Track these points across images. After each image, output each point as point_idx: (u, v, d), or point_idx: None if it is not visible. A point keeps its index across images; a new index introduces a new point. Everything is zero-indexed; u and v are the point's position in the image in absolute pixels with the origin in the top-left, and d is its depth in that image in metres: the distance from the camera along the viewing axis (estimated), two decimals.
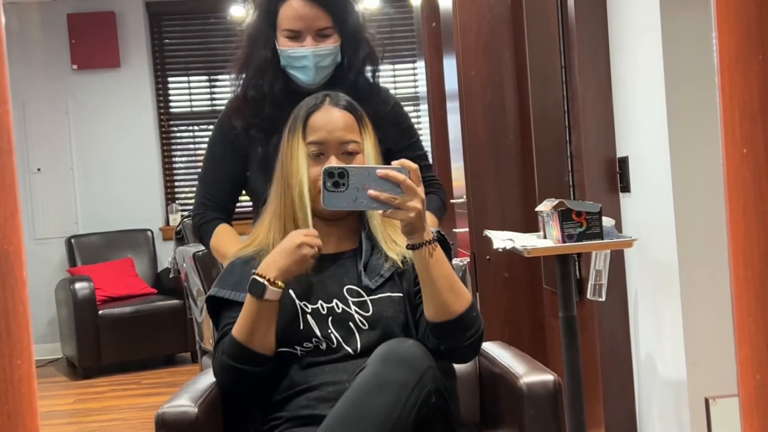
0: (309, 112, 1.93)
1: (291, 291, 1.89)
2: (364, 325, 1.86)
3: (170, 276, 5.54)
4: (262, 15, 2.26)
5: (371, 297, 1.88)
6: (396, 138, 2.28)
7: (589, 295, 2.87)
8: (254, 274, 1.80)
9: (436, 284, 1.74)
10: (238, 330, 1.82)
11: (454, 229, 4.17)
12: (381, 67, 2.34)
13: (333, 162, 1.87)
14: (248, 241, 1.99)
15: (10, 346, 0.74)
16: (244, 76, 2.28)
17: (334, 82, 2.21)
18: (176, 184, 7.47)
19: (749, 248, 0.80)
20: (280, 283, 1.79)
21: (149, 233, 7.14)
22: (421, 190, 1.69)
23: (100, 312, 6.25)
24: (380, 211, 1.73)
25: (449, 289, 1.75)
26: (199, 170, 2.42)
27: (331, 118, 1.92)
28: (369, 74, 2.30)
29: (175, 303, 6.38)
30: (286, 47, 2.22)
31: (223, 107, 2.39)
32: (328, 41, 2.22)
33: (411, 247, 1.73)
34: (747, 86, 0.79)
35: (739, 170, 0.80)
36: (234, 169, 2.30)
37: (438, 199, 2.37)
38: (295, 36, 2.21)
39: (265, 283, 1.78)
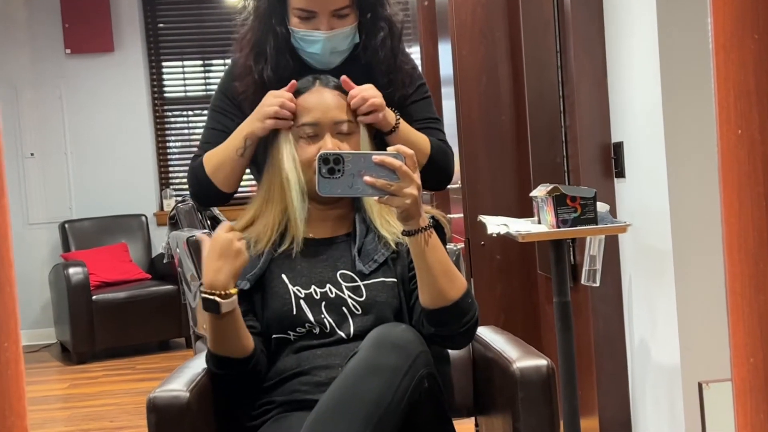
0: (299, 94, 1.92)
1: (284, 276, 1.88)
2: (357, 310, 1.85)
3: (164, 261, 5.53)
4: None
5: (365, 282, 1.87)
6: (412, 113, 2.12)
7: (583, 281, 2.87)
8: (202, 291, 1.76)
9: (431, 270, 1.73)
10: (209, 341, 1.81)
11: (449, 215, 4.16)
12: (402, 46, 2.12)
13: (328, 142, 1.86)
14: (241, 223, 1.98)
15: None
16: (254, 53, 2.04)
17: (349, 64, 2.03)
18: (170, 169, 7.45)
19: (743, 230, 0.79)
20: (232, 290, 1.75)
21: (143, 218, 7.13)
22: (417, 176, 1.68)
23: (94, 297, 6.24)
24: (376, 198, 1.72)
25: (444, 276, 1.74)
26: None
27: (323, 98, 1.90)
28: (389, 54, 2.06)
29: (169, 288, 6.38)
30: (298, 29, 1.99)
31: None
32: (344, 22, 1.99)
33: (406, 233, 1.72)
34: (742, 66, 0.78)
35: (734, 151, 0.79)
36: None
37: (443, 147, 2.15)
38: (309, 16, 1.97)
39: (217, 299, 1.73)
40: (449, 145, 2.19)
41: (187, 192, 5.88)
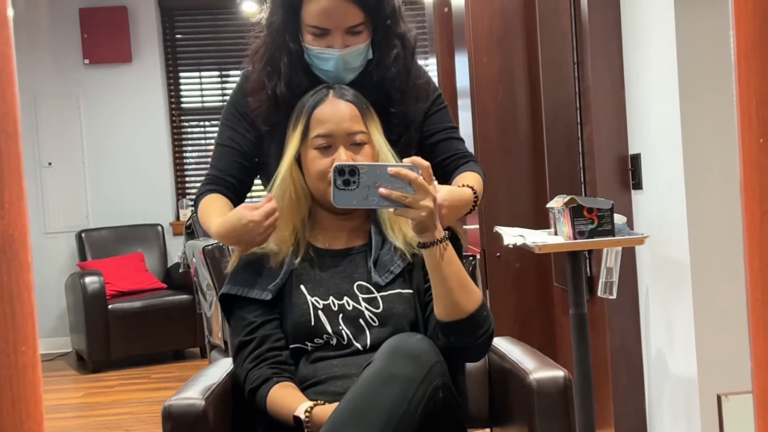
0: (314, 106, 1.91)
1: (302, 286, 1.89)
2: (374, 321, 1.85)
3: (180, 271, 5.54)
4: (286, 6, 2.00)
5: (381, 293, 1.87)
6: (428, 124, 2.10)
7: (599, 293, 2.86)
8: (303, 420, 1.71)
9: (446, 283, 1.72)
10: (272, 412, 1.80)
11: (464, 226, 4.15)
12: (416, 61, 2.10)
13: (342, 154, 1.86)
14: None
15: (15, 332, 0.74)
16: (267, 69, 2.03)
17: (362, 80, 2.01)
18: (187, 179, 7.48)
19: (765, 239, 0.78)
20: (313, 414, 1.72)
21: (159, 228, 7.14)
22: (432, 188, 1.67)
23: (109, 306, 6.26)
24: (391, 210, 1.71)
25: (460, 288, 1.73)
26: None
27: (337, 109, 1.90)
28: (402, 70, 2.04)
29: (185, 298, 6.39)
30: (312, 45, 1.98)
31: None
32: (358, 39, 1.97)
33: (422, 245, 1.72)
34: (765, 73, 0.77)
35: (756, 159, 0.78)
36: (247, 147, 2.11)
37: (479, 175, 2.11)
38: (323, 33, 1.96)
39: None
40: (474, 157, 2.18)
41: None
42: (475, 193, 2.00)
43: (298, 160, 1.93)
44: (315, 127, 1.89)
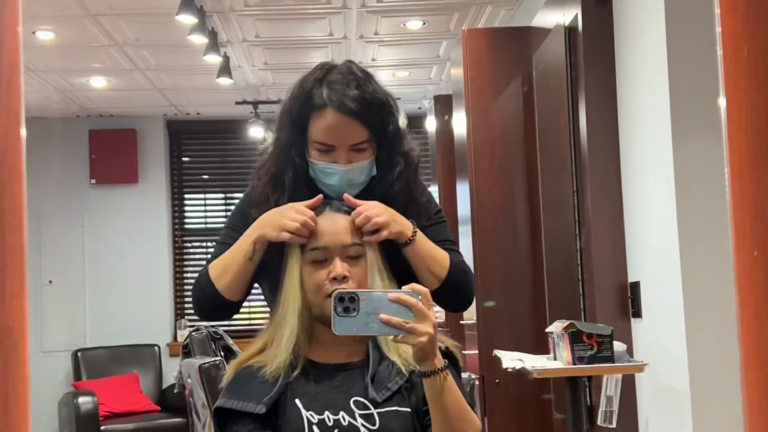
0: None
1: (297, 400, 1.86)
2: None
3: (175, 391, 5.47)
4: (293, 123, 2.03)
5: (378, 410, 1.84)
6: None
7: (599, 422, 2.82)
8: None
9: (446, 413, 1.71)
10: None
11: (463, 351, 4.13)
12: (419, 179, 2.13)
13: (338, 267, 1.86)
14: (255, 348, 1.96)
15: (8, 428, 0.73)
16: (272, 182, 2.04)
17: (365, 196, 2.01)
18: (186, 299, 7.47)
19: (761, 353, 0.78)
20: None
21: (156, 348, 7.09)
22: (432, 314, 1.68)
23: (102, 428, 6.16)
24: (392, 336, 1.72)
25: (459, 419, 1.72)
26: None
27: (334, 223, 1.92)
28: (405, 187, 2.06)
29: (178, 421, 6.29)
30: (317, 161, 2.01)
31: None
32: (362, 155, 2.00)
33: (423, 374, 1.71)
34: (757, 189, 0.79)
35: (750, 273, 0.79)
36: None
37: (462, 266, 2.10)
38: (328, 150, 1.99)
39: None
40: (468, 266, 2.18)
41: (202, 321, 5.87)
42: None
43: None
44: (311, 240, 1.91)
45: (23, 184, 0.76)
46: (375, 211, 1.93)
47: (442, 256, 2.04)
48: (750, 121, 0.79)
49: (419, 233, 1.98)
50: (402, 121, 2.07)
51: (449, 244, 2.15)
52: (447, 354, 1.89)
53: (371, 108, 1.99)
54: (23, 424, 0.73)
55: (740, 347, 0.79)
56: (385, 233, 1.92)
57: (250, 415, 1.84)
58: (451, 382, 1.72)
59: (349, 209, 1.95)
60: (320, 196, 1.95)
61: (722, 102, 0.78)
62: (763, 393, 0.77)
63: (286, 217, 1.92)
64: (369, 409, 1.84)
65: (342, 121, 1.97)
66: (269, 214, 1.96)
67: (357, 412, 1.84)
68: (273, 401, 1.86)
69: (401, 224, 1.96)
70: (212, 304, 2.05)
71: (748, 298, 0.79)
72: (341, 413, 1.84)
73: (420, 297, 1.67)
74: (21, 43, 0.71)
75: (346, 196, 1.94)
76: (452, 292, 2.05)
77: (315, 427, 1.83)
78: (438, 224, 2.15)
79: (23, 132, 0.75)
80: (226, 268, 2.02)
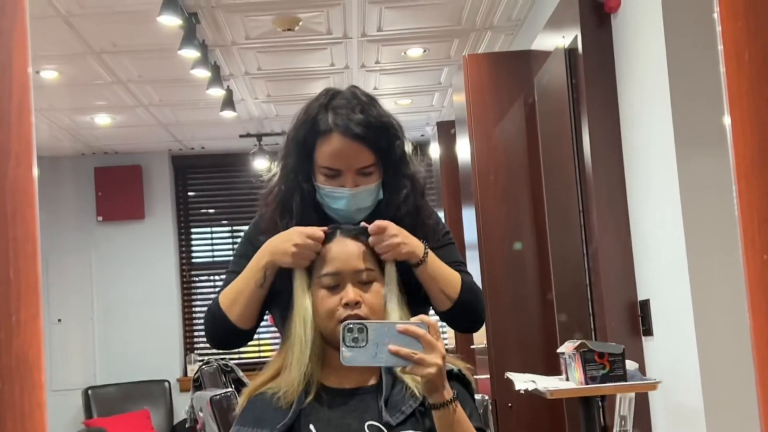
0: (323, 245, 1.93)
1: (312, 426, 1.86)
2: None
3: (187, 426, 5.44)
4: (300, 148, 2.05)
5: None
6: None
7: None
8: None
9: None
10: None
11: (475, 376, 4.11)
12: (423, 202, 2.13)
13: (350, 292, 1.86)
14: (267, 374, 1.96)
15: None
16: (280, 208, 2.06)
17: (372, 220, 2.00)
18: (195, 333, 7.46)
19: None
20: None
21: (166, 384, 7.08)
22: (441, 345, 1.68)
23: None
24: (399, 368, 1.72)
25: None
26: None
27: (345, 248, 1.92)
28: (412, 210, 2.08)
29: None
30: (324, 185, 2.03)
31: None
32: (369, 179, 2.02)
33: (432, 406, 1.71)
34: (765, 192, 0.79)
35: (760, 276, 0.79)
36: None
37: (474, 287, 2.10)
38: (335, 174, 2.01)
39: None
40: (478, 287, 2.19)
41: (212, 354, 5.87)
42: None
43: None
44: (323, 266, 1.91)
45: (36, 211, 0.76)
46: (389, 231, 1.94)
47: (453, 277, 2.05)
48: (754, 125, 0.79)
49: (431, 253, 1.99)
50: (407, 144, 2.08)
51: (459, 265, 2.16)
52: (459, 377, 1.89)
53: (376, 132, 2.01)
54: None
55: (754, 352, 0.79)
56: (403, 251, 1.93)
57: None
58: (460, 414, 1.72)
59: (358, 233, 1.95)
60: (325, 228, 1.95)
61: (726, 106, 0.79)
62: None
63: (292, 241, 1.92)
64: None
65: (348, 146, 1.98)
66: (276, 239, 1.97)
67: None
68: (287, 427, 1.85)
69: (413, 245, 1.97)
70: (224, 332, 2.06)
71: (759, 302, 0.79)
72: None
73: (428, 328, 1.67)
74: (30, 66, 0.72)
75: (363, 225, 1.94)
76: (464, 312, 2.06)
77: None
78: (447, 246, 2.16)
79: (35, 159, 0.76)
80: (237, 296, 2.02)
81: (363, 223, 1.95)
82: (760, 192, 0.80)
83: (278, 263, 1.96)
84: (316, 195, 2.07)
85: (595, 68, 3.17)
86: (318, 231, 1.92)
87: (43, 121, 6.25)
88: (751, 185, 0.80)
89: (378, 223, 1.94)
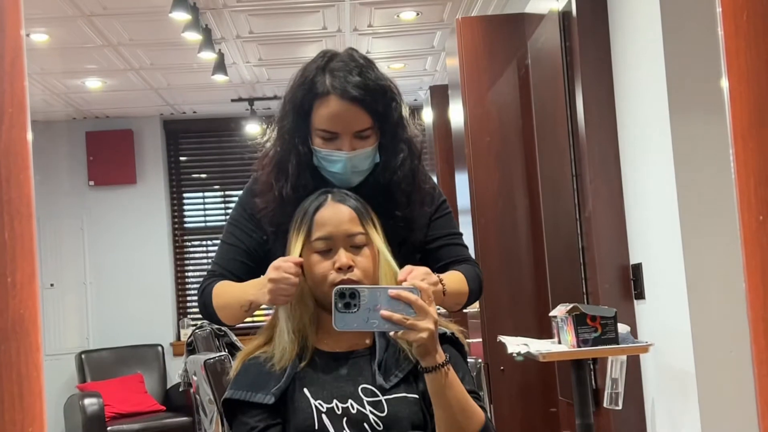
0: (315, 210, 1.93)
1: (306, 390, 1.87)
2: (378, 425, 1.82)
3: (180, 390, 5.48)
4: (297, 110, 2.03)
5: (386, 397, 1.85)
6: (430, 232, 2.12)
7: (605, 404, 2.83)
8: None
9: (449, 408, 1.72)
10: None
11: (468, 339, 4.13)
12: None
13: (342, 256, 1.87)
14: (261, 339, 1.97)
15: (23, 413, 0.73)
16: (275, 170, 2.05)
17: (369, 183, 2.03)
18: (188, 298, 7.47)
19: None
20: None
21: (160, 348, 7.10)
22: (433, 310, 1.68)
23: (109, 428, 6.17)
24: (392, 333, 1.72)
25: (462, 412, 1.73)
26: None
27: (337, 212, 1.92)
28: (408, 173, 2.07)
29: (184, 420, 6.30)
30: (320, 148, 2.02)
31: None
32: (366, 142, 2.01)
33: (425, 370, 1.72)
34: (761, 153, 0.79)
35: (756, 237, 0.79)
36: (251, 247, 2.11)
37: (474, 273, 2.11)
38: (331, 137, 2.00)
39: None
40: (474, 261, 2.19)
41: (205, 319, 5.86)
42: (441, 281, 2.00)
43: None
44: (315, 231, 1.91)
45: (30, 173, 0.76)
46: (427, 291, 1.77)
47: (462, 287, 2.04)
48: (752, 86, 0.79)
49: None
50: (405, 108, 2.07)
51: (455, 237, 2.16)
52: (452, 340, 1.90)
53: (374, 94, 2.00)
54: (38, 410, 0.73)
55: (749, 312, 0.79)
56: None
57: (259, 405, 1.85)
58: (453, 377, 1.72)
59: (353, 199, 1.95)
60: (300, 260, 1.92)
61: (723, 67, 0.79)
62: None
63: (267, 277, 1.90)
64: (377, 396, 1.85)
65: (345, 108, 1.97)
66: (259, 279, 1.96)
67: (365, 399, 1.85)
68: (281, 391, 1.86)
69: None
70: (215, 320, 2.13)
71: (754, 262, 0.79)
72: (350, 401, 1.84)
73: (420, 293, 1.67)
74: (23, 28, 0.71)
75: (417, 282, 1.76)
76: (472, 300, 2.07)
77: (324, 416, 1.84)
78: (444, 216, 2.16)
79: (29, 121, 0.75)
80: (225, 305, 2.07)
81: (413, 282, 1.76)
82: (756, 153, 0.80)
83: (260, 302, 1.96)
84: (313, 158, 2.06)
85: (589, 31, 3.16)
86: (292, 266, 1.88)
87: (34, 84, 6.21)
88: (747, 146, 0.80)
89: (417, 284, 1.75)
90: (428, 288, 1.70)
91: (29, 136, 0.76)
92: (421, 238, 2.09)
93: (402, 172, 2.04)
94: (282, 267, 1.88)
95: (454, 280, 2.05)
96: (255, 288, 1.96)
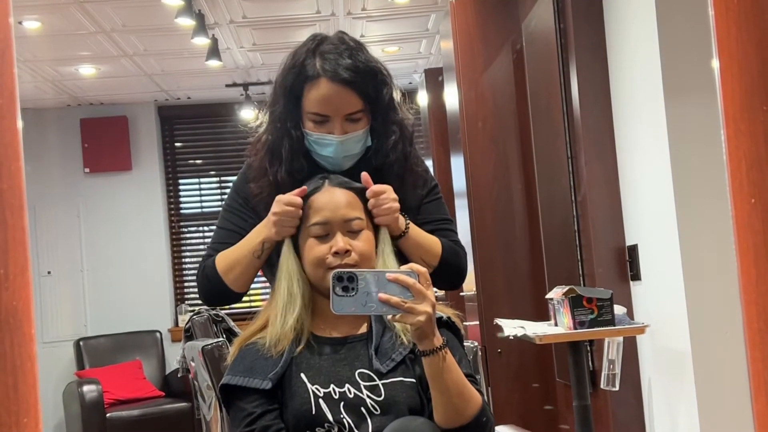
0: (310, 195, 1.93)
1: (303, 375, 1.87)
2: (376, 410, 1.83)
3: (179, 375, 5.50)
4: (287, 94, 2.03)
5: (383, 381, 1.85)
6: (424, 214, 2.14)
7: (602, 385, 2.83)
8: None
9: (446, 392, 1.72)
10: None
11: (464, 322, 4.14)
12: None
13: (339, 241, 1.87)
14: (258, 324, 1.97)
15: (17, 404, 0.74)
16: (269, 155, 2.06)
17: (361, 166, 2.02)
18: (186, 284, 7.48)
19: (762, 298, 0.79)
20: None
21: (158, 335, 7.11)
22: (431, 294, 1.69)
23: (108, 415, 6.18)
24: (389, 316, 1.73)
25: (459, 396, 1.73)
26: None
27: (333, 197, 1.92)
28: (400, 156, 2.07)
29: (183, 406, 6.32)
30: (312, 131, 2.02)
31: None
32: (357, 125, 2.01)
33: (422, 353, 1.72)
34: (753, 136, 0.79)
35: (748, 220, 0.79)
36: (247, 231, 2.09)
37: (454, 248, 2.14)
38: (323, 120, 2.00)
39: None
40: (461, 245, 2.19)
41: (203, 304, 5.88)
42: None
43: (296, 247, 1.94)
44: (312, 216, 1.91)
45: (21, 163, 0.76)
46: (388, 195, 1.95)
47: (434, 244, 2.08)
48: (743, 69, 0.79)
49: (412, 226, 2.02)
50: (396, 91, 2.07)
51: (446, 222, 2.17)
52: (448, 324, 1.90)
53: (365, 77, 1.99)
54: (32, 400, 0.73)
55: (741, 294, 0.79)
56: (396, 216, 1.95)
57: (256, 390, 1.85)
58: (450, 361, 1.73)
59: (347, 183, 1.95)
60: (304, 187, 1.95)
61: (714, 50, 0.79)
62: (765, 336, 0.77)
63: (272, 211, 1.93)
64: (374, 380, 1.85)
65: (336, 91, 1.97)
66: (263, 222, 2.00)
67: (362, 383, 1.85)
68: (279, 376, 1.87)
69: (399, 217, 1.99)
70: (218, 294, 2.08)
71: (746, 246, 0.80)
72: (347, 386, 1.85)
73: (418, 276, 1.68)
74: (12, 15, 0.71)
75: (364, 175, 1.95)
76: (445, 274, 2.10)
77: (321, 401, 1.84)
78: (435, 201, 2.16)
79: (18, 111, 0.75)
80: (234, 264, 2.04)
81: (364, 174, 1.95)
82: (748, 136, 0.80)
83: (273, 237, 1.97)
84: (305, 141, 2.06)
85: (583, 12, 3.15)
86: (296, 198, 1.91)
87: (27, 72, 6.18)
88: (739, 129, 0.80)
89: (377, 187, 1.94)
90: (426, 272, 1.70)
91: (19, 125, 0.75)
92: (411, 220, 2.09)
93: (394, 155, 2.04)
94: (283, 200, 1.91)
95: (427, 236, 2.07)
96: (260, 230, 2.00)
